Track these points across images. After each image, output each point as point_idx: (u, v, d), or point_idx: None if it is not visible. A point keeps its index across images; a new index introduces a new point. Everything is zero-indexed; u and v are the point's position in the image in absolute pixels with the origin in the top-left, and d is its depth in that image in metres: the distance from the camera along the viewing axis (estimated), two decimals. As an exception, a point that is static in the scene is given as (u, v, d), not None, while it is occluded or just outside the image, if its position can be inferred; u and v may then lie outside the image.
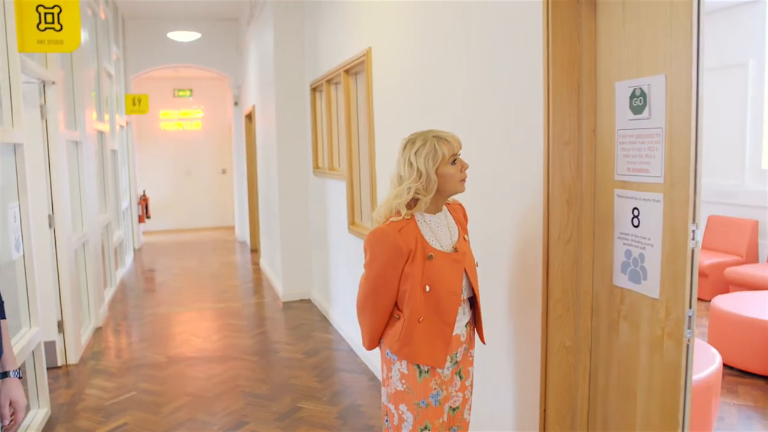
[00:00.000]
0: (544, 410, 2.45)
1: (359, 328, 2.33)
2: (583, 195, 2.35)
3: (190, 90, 13.82)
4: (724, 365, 4.40)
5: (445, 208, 2.29)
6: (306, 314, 6.41)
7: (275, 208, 7.16)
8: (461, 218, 2.36)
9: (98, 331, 6.02)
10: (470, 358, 2.39)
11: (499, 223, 2.74)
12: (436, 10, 3.27)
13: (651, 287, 2.07)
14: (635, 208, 2.12)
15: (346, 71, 5.00)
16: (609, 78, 2.22)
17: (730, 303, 4.73)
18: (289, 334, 5.73)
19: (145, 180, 13.12)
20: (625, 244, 2.18)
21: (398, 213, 2.15)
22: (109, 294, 7.16)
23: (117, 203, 8.56)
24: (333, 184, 5.74)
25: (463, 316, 2.29)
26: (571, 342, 2.42)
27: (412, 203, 2.16)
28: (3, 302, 1.95)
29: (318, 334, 5.68)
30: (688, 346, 1.95)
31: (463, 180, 2.18)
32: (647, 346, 2.11)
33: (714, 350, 3.66)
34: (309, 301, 6.95)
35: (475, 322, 2.39)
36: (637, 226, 2.12)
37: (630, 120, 2.11)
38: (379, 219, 2.20)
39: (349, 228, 5.12)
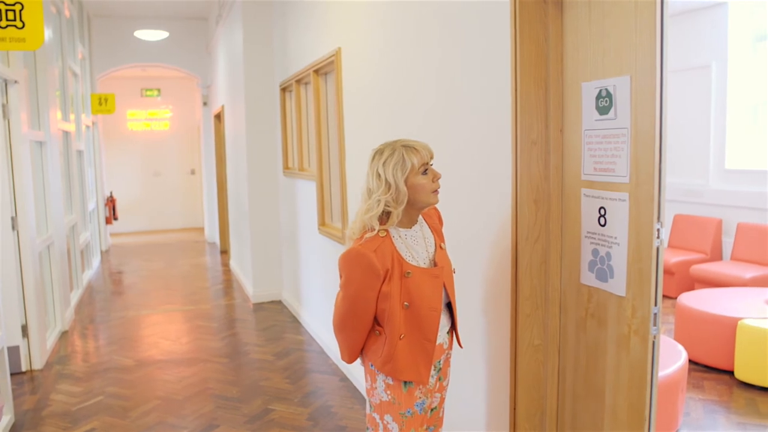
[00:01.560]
0: (514, 408, 2.47)
1: (337, 343, 2.27)
2: (551, 194, 2.37)
3: (158, 90, 13.65)
4: (690, 361, 4.48)
5: (420, 218, 2.22)
6: (277, 315, 6.37)
7: (245, 208, 7.11)
8: (436, 223, 2.31)
9: (64, 335, 5.90)
10: (449, 359, 2.38)
11: (469, 223, 2.75)
12: (405, 11, 3.27)
13: (617, 285, 2.09)
14: (602, 208, 2.14)
15: (316, 71, 4.98)
16: (575, 78, 2.25)
17: (695, 300, 4.82)
18: (260, 336, 5.69)
19: (113, 181, 12.92)
20: (592, 243, 2.21)
21: (372, 228, 2.07)
22: (75, 297, 7.03)
23: (83, 204, 8.41)
24: (303, 185, 5.71)
25: (445, 324, 2.25)
26: (539, 340, 2.44)
27: (385, 217, 2.08)
28: None
29: (289, 336, 5.65)
30: (653, 343, 1.98)
31: (436, 191, 2.10)
32: (614, 343, 2.14)
33: (680, 347, 3.73)
34: (280, 302, 6.91)
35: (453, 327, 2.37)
36: (603, 225, 2.14)
37: (596, 120, 2.14)
38: (353, 236, 2.12)
39: (319, 228, 5.10)
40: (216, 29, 8.93)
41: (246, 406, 4.11)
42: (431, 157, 2.10)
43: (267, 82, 6.67)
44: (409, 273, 2.07)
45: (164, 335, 5.84)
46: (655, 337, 1.98)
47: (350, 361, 2.27)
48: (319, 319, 5.40)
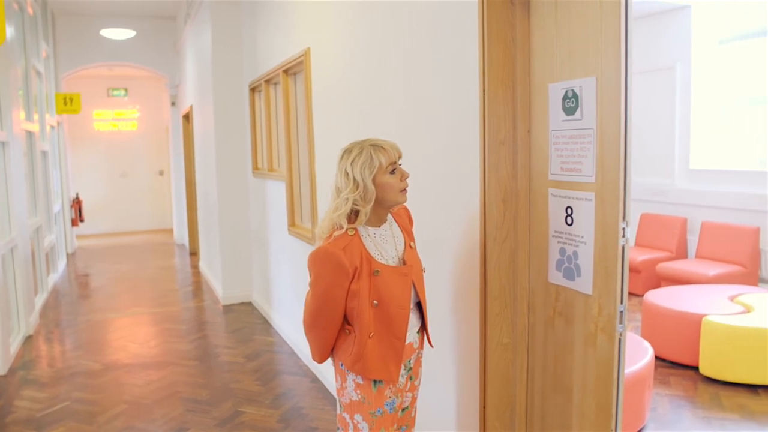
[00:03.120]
0: (484, 407, 2.48)
1: (308, 342, 2.27)
2: (519, 194, 2.39)
3: (125, 89, 13.45)
4: (657, 357, 4.56)
5: (390, 217, 2.23)
6: (247, 317, 6.32)
7: (214, 209, 7.04)
8: (406, 223, 2.31)
9: (28, 339, 5.78)
10: (420, 359, 2.38)
11: (439, 223, 2.76)
12: (374, 11, 3.27)
13: (584, 284, 2.12)
14: (569, 207, 2.17)
15: (285, 71, 4.96)
16: (543, 79, 2.27)
17: (661, 297, 4.90)
18: (230, 338, 5.64)
19: (79, 182, 12.68)
20: (559, 242, 2.23)
21: (340, 227, 2.07)
22: (40, 301, 6.89)
23: (48, 206, 8.25)
24: (273, 185, 5.68)
25: (415, 324, 2.26)
26: (508, 339, 2.46)
27: (353, 216, 2.09)
28: None
29: (259, 337, 5.61)
30: (620, 340, 2.01)
31: (404, 190, 2.11)
32: (582, 341, 2.16)
33: (647, 343, 3.79)
34: (250, 303, 6.86)
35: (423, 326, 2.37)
36: (570, 225, 2.17)
37: (563, 121, 2.16)
38: (322, 234, 2.12)
39: (289, 229, 5.07)
40: (184, 28, 8.83)
41: (216, 409, 4.07)
42: (399, 157, 2.11)
43: (236, 82, 6.62)
44: (377, 271, 2.08)
45: (132, 338, 5.75)
46: (621, 335, 2.00)
47: (321, 360, 2.26)
48: (289, 320, 5.37)
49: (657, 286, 6.41)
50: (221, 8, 6.50)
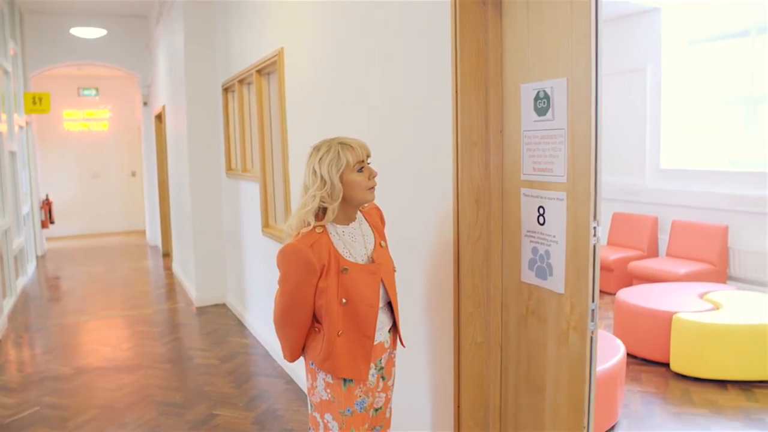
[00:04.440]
0: (458, 406, 2.49)
1: (279, 341, 2.27)
2: (491, 194, 2.41)
3: (96, 89, 13.26)
4: (628, 355, 4.62)
5: (360, 215, 2.24)
6: (221, 319, 6.27)
7: (188, 210, 6.98)
8: (377, 222, 2.31)
9: (-3, 343, 5.68)
10: (393, 359, 2.38)
11: (412, 223, 2.77)
12: (348, 10, 3.27)
13: (556, 283, 2.14)
14: (541, 207, 2.19)
15: (259, 71, 4.93)
16: (515, 80, 2.29)
17: (632, 295, 4.96)
18: (204, 340, 5.59)
19: (49, 183, 12.47)
20: (531, 241, 2.25)
21: (308, 224, 2.08)
22: (8, 305, 6.76)
23: (17, 208, 8.10)
24: (246, 186, 5.64)
25: (385, 323, 2.26)
26: (482, 338, 2.48)
27: (321, 214, 2.10)
28: None
29: (233, 339, 5.57)
30: (591, 338, 2.03)
31: (371, 188, 2.12)
32: (554, 339, 2.18)
33: (618, 341, 3.84)
34: (224, 305, 6.81)
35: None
36: (542, 224, 2.19)
37: (535, 121, 2.18)
38: (291, 231, 2.13)
39: (263, 230, 5.04)
40: (156, 27, 8.74)
41: (190, 412, 4.03)
42: (368, 155, 2.12)
43: (209, 82, 6.56)
44: (345, 269, 2.08)
45: (104, 342, 5.67)
46: (592, 333, 2.03)
47: (291, 359, 2.27)
48: (264, 321, 5.34)
49: (629, 284, 6.49)
50: (194, 7, 6.44)
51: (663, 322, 4.52)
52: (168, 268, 9.21)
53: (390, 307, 2.28)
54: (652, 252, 7.04)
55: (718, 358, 4.22)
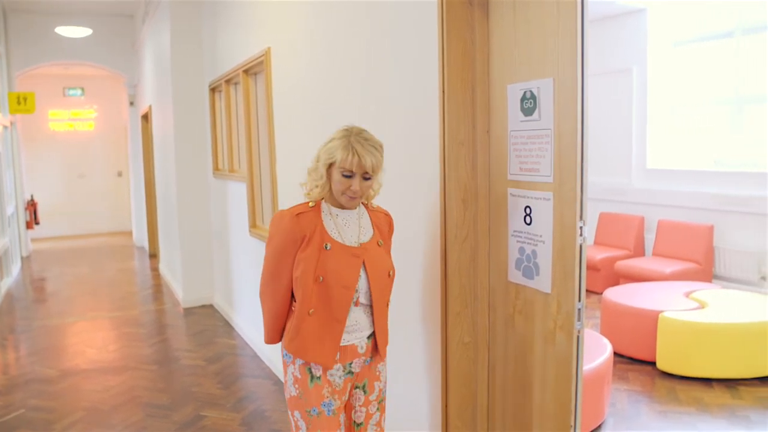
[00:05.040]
0: (446, 406, 2.49)
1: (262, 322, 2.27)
2: (478, 194, 2.41)
3: (82, 89, 13.17)
4: (615, 354, 4.64)
5: (363, 210, 2.23)
6: (208, 320, 6.25)
7: (174, 211, 6.94)
8: (383, 226, 2.26)
9: (-19, 345, 5.63)
10: (377, 373, 2.27)
11: (399, 222, 2.76)
12: (335, 10, 3.26)
13: (543, 282, 2.15)
14: (527, 207, 2.19)
15: (246, 71, 4.91)
16: (501, 80, 2.29)
17: (619, 295, 4.99)
18: (191, 341, 5.56)
19: (34, 184, 12.36)
20: (518, 241, 2.26)
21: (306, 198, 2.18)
22: (-7, 306, 6.70)
23: (1, 209, 8.03)
24: (234, 186, 5.62)
25: (363, 326, 2.17)
26: (469, 338, 2.48)
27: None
28: None
29: (221, 340, 5.54)
30: (578, 337, 2.04)
31: (349, 197, 2.09)
32: (541, 339, 2.19)
33: (605, 340, 3.86)
34: (211, 306, 6.78)
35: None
36: (529, 224, 2.19)
37: (521, 121, 2.19)
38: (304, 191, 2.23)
39: (250, 231, 5.03)
40: (143, 27, 8.69)
41: (177, 414, 4.01)
42: (361, 170, 2.04)
43: (196, 82, 6.53)
44: (328, 245, 2.08)
45: (90, 343, 5.63)
46: (579, 332, 2.03)
47: (267, 339, 2.28)
48: (252, 322, 5.32)
49: (616, 283, 6.53)
50: (180, 7, 6.41)
51: (649, 321, 4.55)
52: (155, 269, 9.16)
53: (371, 310, 2.19)
54: (639, 251, 7.09)
55: (703, 357, 4.25)
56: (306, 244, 2.07)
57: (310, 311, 2.09)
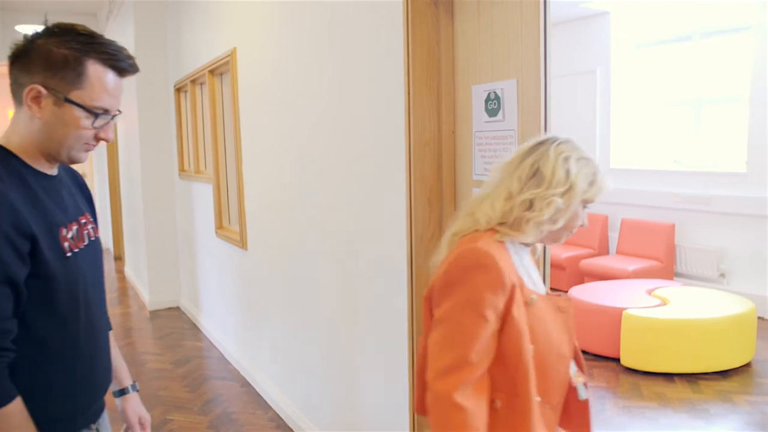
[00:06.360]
0: (414, 408, 2.50)
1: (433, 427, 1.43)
2: (444, 194, 2.43)
3: (44, 88, 12.89)
4: (581, 351, 4.71)
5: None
6: (175, 322, 6.18)
7: (139, 213, 6.84)
8: None
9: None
10: None
11: (366, 223, 2.77)
12: (301, 11, 3.26)
13: (508, 281, 2.17)
14: (492, 206, 2.21)
15: (211, 71, 4.87)
16: (466, 81, 2.31)
17: (584, 293, 5.07)
18: (157, 344, 5.49)
19: (-7, 185, 12.07)
20: (484, 240, 2.27)
21: (488, 231, 1.49)
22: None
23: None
24: (200, 188, 5.57)
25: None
26: (436, 337, 2.49)
27: (509, 225, 1.49)
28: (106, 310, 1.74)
29: (187, 343, 5.49)
30: (542, 335, 2.07)
31: (572, 233, 1.56)
32: (506, 337, 2.21)
33: (570, 338, 3.91)
34: (178, 308, 6.70)
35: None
36: (494, 224, 2.21)
37: (486, 122, 2.21)
38: (453, 237, 1.56)
39: (216, 232, 4.99)
40: (106, 26, 8.55)
41: (142, 418, 3.96)
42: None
43: (160, 82, 6.46)
44: (533, 299, 1.46)
45: (52, 348, 5.52)
46: (543, 330, 2.06)
47: None
48: (218, 324, 5.28)
49: (581, 282, 6.63)
50: (145, 6, 6.33)
51: (613, 318, 4.63)
52: (120, 272, 9.02)
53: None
54: (603, 250, 7.20)
55: (665, 352, 4.34)
56: (514, 298, 1.42)
57: (537, 399, 1.43)
